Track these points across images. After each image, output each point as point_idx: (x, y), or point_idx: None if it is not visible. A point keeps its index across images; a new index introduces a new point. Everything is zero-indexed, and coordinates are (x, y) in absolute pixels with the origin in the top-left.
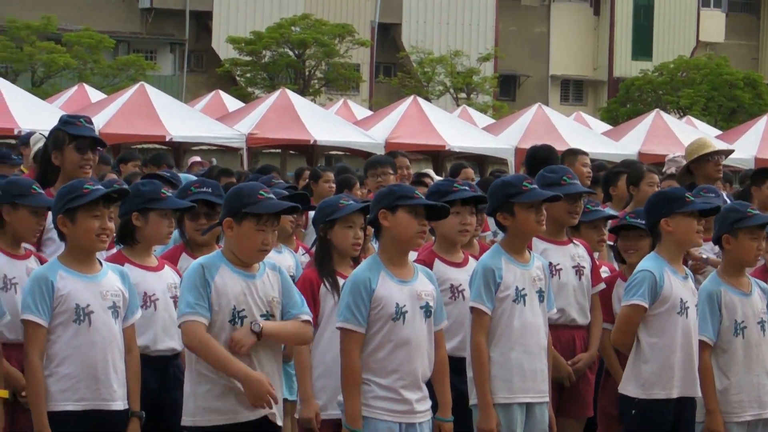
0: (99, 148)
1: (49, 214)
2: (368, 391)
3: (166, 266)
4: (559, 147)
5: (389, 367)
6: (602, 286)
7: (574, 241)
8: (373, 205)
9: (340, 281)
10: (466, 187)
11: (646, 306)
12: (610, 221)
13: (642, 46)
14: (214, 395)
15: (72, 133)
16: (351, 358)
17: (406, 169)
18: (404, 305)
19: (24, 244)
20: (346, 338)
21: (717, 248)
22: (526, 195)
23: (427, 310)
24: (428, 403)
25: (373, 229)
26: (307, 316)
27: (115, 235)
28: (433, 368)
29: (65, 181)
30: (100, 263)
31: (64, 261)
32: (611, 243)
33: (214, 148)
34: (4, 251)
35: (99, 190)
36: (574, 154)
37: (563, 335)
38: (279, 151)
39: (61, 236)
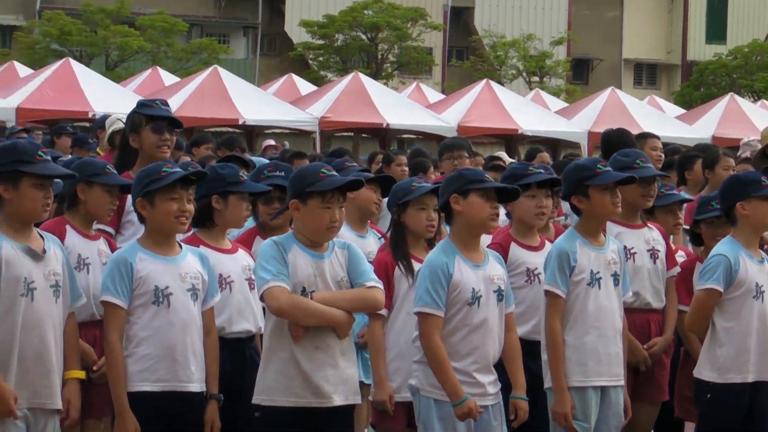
0: (176, 128)
1: (129, 197)
2: None
3: (240, 249)
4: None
5: (463, 351)
6: (677, 269)
7: (649, 224)
8: (443, 189)
9: (415, 264)
10: (542, 170)
11: (721, 290)
12: (685, 205)
13: (716, 30)
14: (284, 376)
15: (148, 114)
16: (433, 341)
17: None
18: (479, 290)
19: (97, 226)
20: (425, 322)
21: None
22: (600, 177)
23: (499, 294)
24: (498, 386)
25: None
26: (374, 282)
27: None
28: (505, 350)
29: (144, 164)
30: (180, 246)
31: (144, 243)
32: (686, 227)
33: (287, 131)
34: (78, 231)
35: (177, 173)
36: (644, 137)
37: (638, 319)
38: (351, 134)
39: (141, 219)
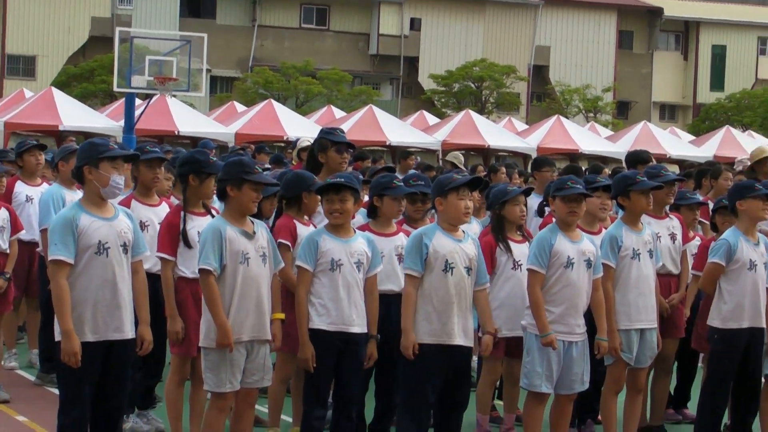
0: (350, 149)
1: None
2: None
3: (400, 233)
4: (659, 152)
5: (559, 301)
6: (688, 245)
7: (670, 215)
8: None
9: (512, 244)
10: (604, 179)
11: (723, 264)
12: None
13: (717, 81)
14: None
15: (332, 139)
16: (534, 291)
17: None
18: (573, 257)
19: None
20: (532, 277)
21: None
22: (639, 185)
23: (588, 263)
24: (584, 329)
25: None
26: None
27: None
28: (592, 304)
29: (328, 174)
30: (354, 231)
31: (329, 229)
32: (702, 220)
33: (419, 150)
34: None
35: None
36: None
37: (662, 281)
38: (463, 152)
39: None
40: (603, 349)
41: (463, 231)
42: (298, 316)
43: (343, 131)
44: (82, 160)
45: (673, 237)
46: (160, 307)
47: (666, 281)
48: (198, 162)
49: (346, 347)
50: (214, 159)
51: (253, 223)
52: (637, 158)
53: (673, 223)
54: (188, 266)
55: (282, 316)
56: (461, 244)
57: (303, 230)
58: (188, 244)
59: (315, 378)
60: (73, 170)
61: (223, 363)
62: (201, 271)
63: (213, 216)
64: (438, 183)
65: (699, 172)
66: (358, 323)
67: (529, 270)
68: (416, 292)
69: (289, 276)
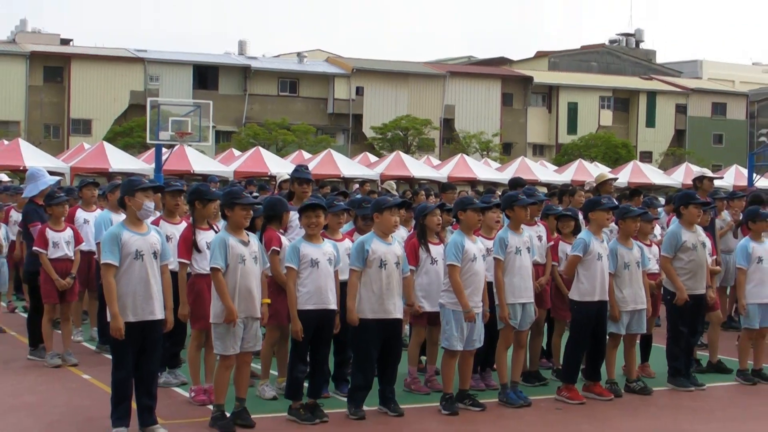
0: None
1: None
2: None
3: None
4: (533, 178)
5: (467, 284)
6: (551, 244)
7: (539, 223)
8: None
9: (430, 246)
10: (496, 200)
11: (581, 255)
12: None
13: (572, 128)
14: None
15: (295, 176)
16: (455, 279)
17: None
18: (474, 254)
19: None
20: (452, 269)
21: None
22: (520, 201)
23: (483, 256)
24: (481, 304)
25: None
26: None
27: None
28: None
29: (298, 199)
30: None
31: (306, 237)
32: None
33: (364, 180)
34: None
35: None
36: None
37: (534, 269)
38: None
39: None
40: (485, 318)
41: (392, 236)
42: (290, 302)
43: (307, 168)
44: (123, 191)
45: (540, 238)
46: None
47: (537, 269)
48: (201, 191)
49: (324, 321)
50: (215, 189)
51: (247, 234)
52: (516, 183)
53: (541, 228)
54: (202, 265)
55: (268, 300)
56: (391, 246)
57: (283, 240)
58: (198, 250)
59: (299, 344)
60: (117, 199)
61: (228, 334)
62: (212, 269)
63: (216, 231)
64: (376, 203)
65: (561, 192)
66: (333, 302)
67: (449, 265)
68: (359, 282)
69: (279, 273)
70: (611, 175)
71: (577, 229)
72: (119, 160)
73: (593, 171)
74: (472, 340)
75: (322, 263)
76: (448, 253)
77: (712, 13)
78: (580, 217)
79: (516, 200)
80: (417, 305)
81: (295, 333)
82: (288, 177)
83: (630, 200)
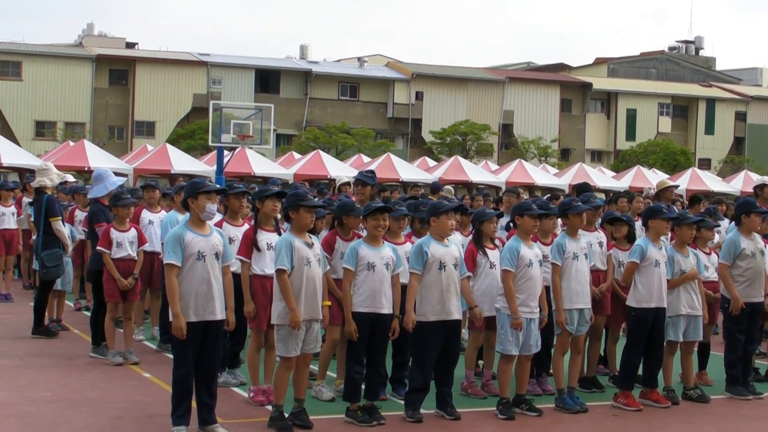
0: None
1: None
2: None
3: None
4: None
5: (523, 289)
6: (611, 251)
7: (598, 229)
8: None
9: (488, 251)
10: (555, 207)
11: (638, 262)
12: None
13: (630, 134)
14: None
15: (359, 178)
16: (508, 284)
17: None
18: (531, 260)
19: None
20: (505, 275)
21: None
22: (576, 209)
23: (540, 263)
24: (538, 309)
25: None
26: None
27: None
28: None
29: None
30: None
31: (367, 240)
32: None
33: (423, 184)
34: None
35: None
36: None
37: (593, 275)
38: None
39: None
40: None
41: (448, 239)
42: (345, 303)
43: (374, 173)
44: (186, 194)
45: (600, 244)
46: (242, 296)
47: (596, 275)
48: (260, 191)
49: (377, 325)
50: (273, 187)
51: (310, 236)
52: (582, 188)
53: (601, 235)
54: (259, 266)
55: (329, 303)
56: (448, 248)
57: (341, 244)
58: (257, 249)
59: (355, 346)
60: (181, 201)
61: (290, 336)
62: (278, 270)
63: (280, 233)
64: (433, 206)
65: (609, 200)
66: (387, 307)
67: (503, 270)
68: (418, 285)
69: (329, 277)
70: (672, 183)
71: (630, 235)
72: (181, 162)
73: (651, 178)
74: (528, 345)
75: (378, 267)
76: (503, 258)
77: None
78: (639, 223)
79: (571, 207)
80: (478, 309)
81: (349, 333)
82: (346, 180)
83: (690, 208)
